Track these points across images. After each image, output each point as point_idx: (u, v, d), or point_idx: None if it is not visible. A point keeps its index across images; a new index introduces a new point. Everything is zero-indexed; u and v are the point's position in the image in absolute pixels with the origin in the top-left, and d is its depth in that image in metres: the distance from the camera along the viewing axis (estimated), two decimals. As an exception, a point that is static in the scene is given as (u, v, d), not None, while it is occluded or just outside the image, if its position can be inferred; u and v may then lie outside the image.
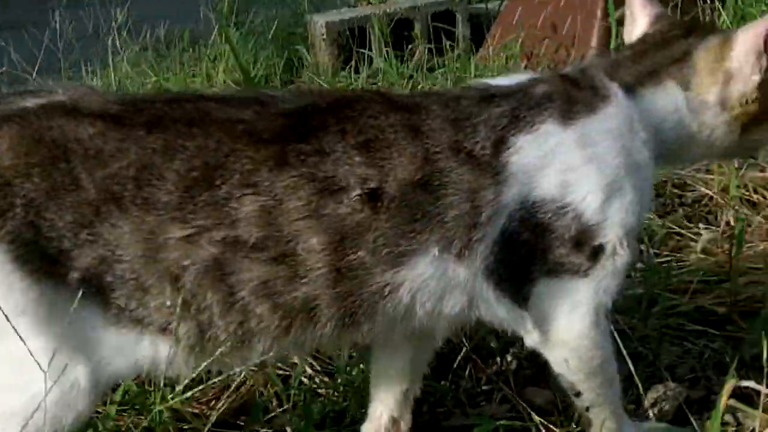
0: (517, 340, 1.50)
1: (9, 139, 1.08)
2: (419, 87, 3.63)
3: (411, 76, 3.78)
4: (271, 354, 1.20)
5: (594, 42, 3.67)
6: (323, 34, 4.21)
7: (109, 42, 4.08)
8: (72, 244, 1.07)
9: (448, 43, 3.95)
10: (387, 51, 4.01)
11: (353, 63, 3.99)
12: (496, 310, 1.24)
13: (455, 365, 1.67)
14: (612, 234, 1.22)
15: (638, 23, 1.41)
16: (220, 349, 1.14)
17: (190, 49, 4.50)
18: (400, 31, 4.28)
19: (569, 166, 1.20)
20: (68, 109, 1.13)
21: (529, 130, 1.20)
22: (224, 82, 3.76)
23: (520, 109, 1.22)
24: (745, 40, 1.28)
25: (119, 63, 4.05)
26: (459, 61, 3.74)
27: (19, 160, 1.07)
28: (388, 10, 4.27)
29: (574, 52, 3.63)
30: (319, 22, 4.25)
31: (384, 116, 1.18)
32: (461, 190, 1.16)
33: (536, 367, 1.60)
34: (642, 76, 1.30)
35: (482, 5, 4.77)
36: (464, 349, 1.67)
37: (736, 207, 2.27)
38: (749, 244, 2.06)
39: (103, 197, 1.07)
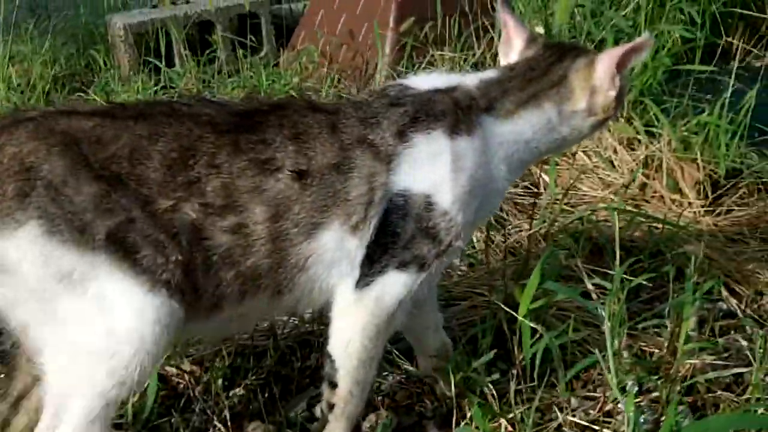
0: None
1: (26, 132, 1.31)
2: (215, 92, 3.66)
3: (205, 81, 3.79)
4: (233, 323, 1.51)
5: (387, 51, 3.81)
6: (121, 36, 4.13)
7: None
8: (93, 215, 1.28)
9: (242, 51, 3.96)
10: (186, 54, 4.00)
11: (154, 66, 3.95)
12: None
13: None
14: (458, 234, 1.47)
15: (513, 45, 1.66)
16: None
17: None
18: (204, 34, 4.29)
19: (444, 170, 1.45)
20: (67, 111, 1.39)
21: (424, 131, 1.46)
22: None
23: (421, 114, 1.47)
24: (603, 63, 1.55)
25: None
26: (253, 68, 3.77)
27: (37, 145, 1.29)
28: (188, 12, 4.24)
29: (369, 59, 3.75)
30: (117, 23, 4.16)
31: (311, 115, 1.46)
32: (363, 174, 1.42)
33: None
34: (524, 101, 1.55)
35: (287, 6, 4.84)
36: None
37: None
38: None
39: (108, 174, 1.30)
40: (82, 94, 3.80)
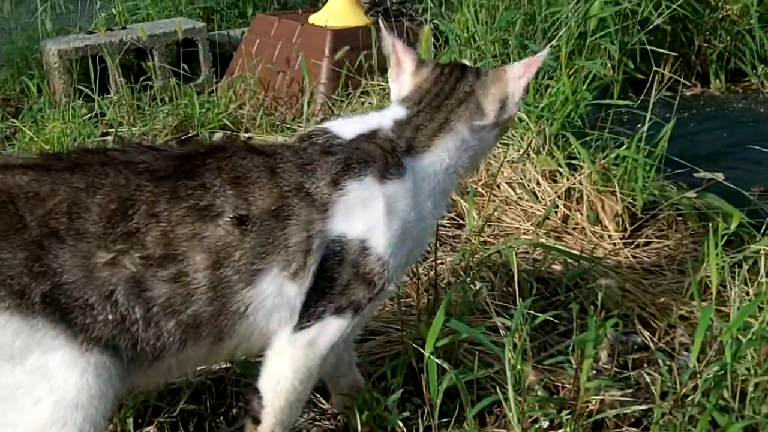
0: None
1: None
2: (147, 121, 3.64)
3: (139, 108, 3.77)
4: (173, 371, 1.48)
5: (323, 78, 3.83)
6: (56, 62, 4.09)
7: None
8: (30, 278, 1.25)
9: (174, 79, 3.94)
10: (121, 81, 3.98)
11: (92, 92, 3.91)
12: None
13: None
14: (392, 277, 1.50)
15: (404, 67, 1.67)
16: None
17: None
18: (142, 60, 4.26)
19: (377, 215, 1.46)
20: (2, 165, 1.35)
21: (356, 177, 1.46)
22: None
23: (352, 161, 1.48)
24: (516, 73, 1.60)
25: None
26: (186, 97, 3.76)
27: None
28: (124, 39, 4.21)
29: (305, 88, 3.77)
30: (51, 49, 4.11)
31: (250, 158, 1.45)
32: (301, 221, 1.41)
33: None
34: (436, 130, 1.57)
35: (225, 33, 4.84)
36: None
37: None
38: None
39: (45, 232, 1.27)
40: (15, 121, 3.75)
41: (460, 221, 2.73)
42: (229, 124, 3.61)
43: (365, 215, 1.46)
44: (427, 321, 1.81)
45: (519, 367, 1.61)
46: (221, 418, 1.85)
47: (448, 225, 2.69)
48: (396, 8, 4.64)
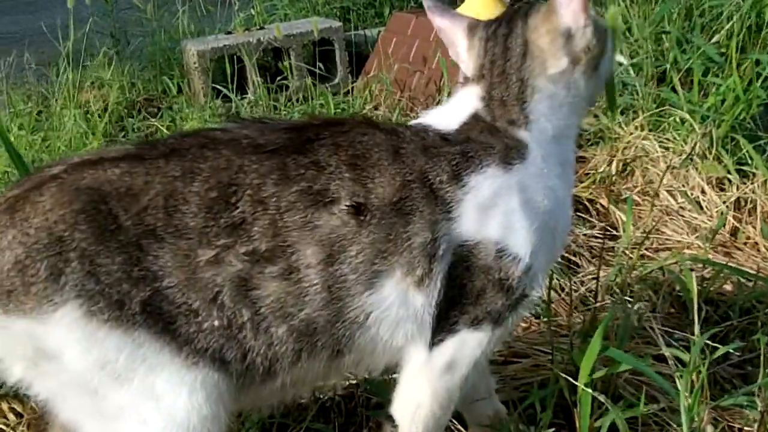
0: None
1: (50, 196, 1.15)
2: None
3: (276, 108, 3.70)
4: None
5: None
6: (195, 62, 4.09)
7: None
8: (129, 285, 1.12)
9: (310, 78, 3.85)
10: (259, 81, 3.92)
11: (230, 91, 3.88)
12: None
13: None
14: (535, 279, 1.30)
15: (457, 43, 1.42)
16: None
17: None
18: (279, 60, 4.21)
19: (510, 210, 1.27)
20: (93, 160, 1.21)
21: (478, 170, 1.27)
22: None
23: (469, 151, 1.28)
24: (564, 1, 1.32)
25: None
26: (321, 97, 3.65)
27: (64, 211, 1.13)
28: (261, 39, 4.17)
29: (442, 87, 3.60)
30: (191, 49, 4.12)
31: (370, 135, 1.27)
32: (425, 220, 1.23)
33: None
34: (519, 98, 1.33)
35: (361, 32, 4.73)
36: None
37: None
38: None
39: (142, 231, 1.14)
40: (153, 120, 3.76)
41: (614, 232, 2.48)
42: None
43: (496, 213, 1.27)
44: (581, 347, 1.59)
45: (696, 409, 1.37)
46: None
47: (599, 236, 2.44)
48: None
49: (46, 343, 1.11)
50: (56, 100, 3.77)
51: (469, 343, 1.30)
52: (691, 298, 1.94)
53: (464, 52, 1.41)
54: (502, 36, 1.37)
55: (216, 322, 1.15)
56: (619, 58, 2.80)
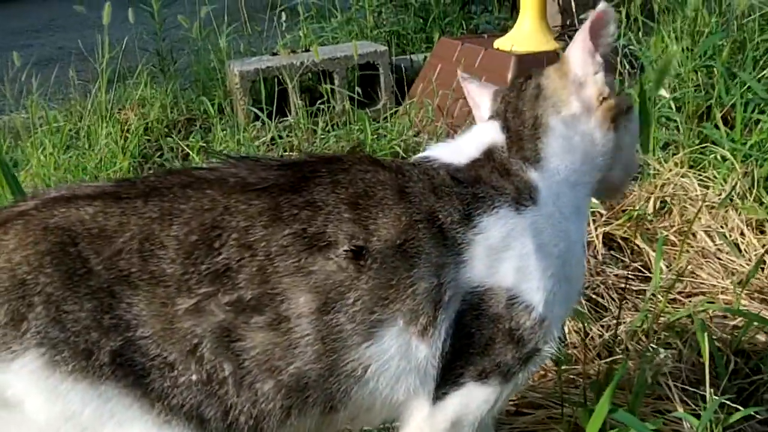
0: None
1: (15, 235, 1.07)
2: (319, 146, 3.53)
3: (315, 132, 3.67)
4: None
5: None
6: (237, 83, 4.10)
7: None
8: (99, 333, 1.04)
9: (347, 103, 3.82)
10: (300, 104, 3.91)
11: (269, 113, 3.88)
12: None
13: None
14: (548, 332, 1.22)
15: (481, 104, 1.47)
16: None
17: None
18: (324, 82, 4.20)
19: (523, 255, 1.20)
20: (67, 197, 1.13)
21: (489, 211, 1.20)
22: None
23: (480, 191, 1.22)
24: (574, 50, 1.34)
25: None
26: (359, 121, 3.62)
27: (28, 252, 1.05)
28: (305, 61, 4.16)
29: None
30: (234, 69, 4.14)
31: (373, 172, 1.19)
32: (431, 263, 1.15)
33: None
34: (532, 135, 1.31)
35: (408, 57, 4.70)
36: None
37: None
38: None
39: (114, 276, 1.06)
40: (189, 141, 3.76)
41: (647, 273, 2.38)
42: (401, 151, 3.42)
43: (508, 257, 1.19)
44: (593, 403, 1.50)
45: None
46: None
47: (632, 277, 2.35)
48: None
49: (6, 392, 1.03)
50: (89, 117, 3.80)
51: (475, 399, 1.21)
52: (716, 349, 1.84)
53: (486, 112, 1.43)
54: (519, 84, 1.38)
55: (194, 377, 1.06)
56: (662, 92, 2.71)
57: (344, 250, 1.10)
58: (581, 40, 1.32)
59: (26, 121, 3.84)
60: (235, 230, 1.10)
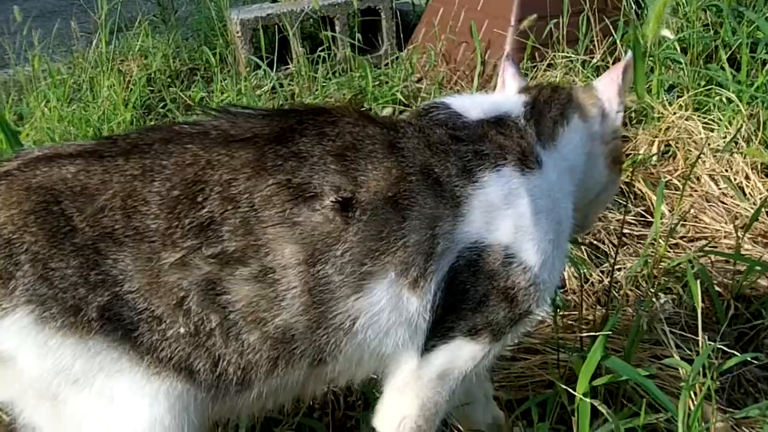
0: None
1: None
2: (320, 95, 3.48)
3: (315, 79, 3.62)
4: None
5: (507, 47, 3.51)
6: (238, 32, 4.04)
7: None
8: (86, 289, 1.04)
9: (348, 50, 3.75)
10: (301, 51, 3.85)
11: (270, 61, 3.83)
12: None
13: None
14: (541, 296, 1.21)
15: (507, 89, 1.48)
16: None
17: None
18: (326, 29, 4.13)
19: (524, 214, 1.18)
20: (49, 156, 1.13)
21: (493, 168, 1.19)
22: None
23: (485, 148, 1.21)
24: (608, 82, 1.41)
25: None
26: (360, 68, 3.56)
27: (12, 212, 1.05)
28: (305, 8, 4.09)
29: (488, 59, 3.48)
30: (234, 18, 4.07)
31: (362, 127, 1.18)
32: (425, 215, 1.13)
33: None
34: (555, 121, 1.33)
35: (409, 2, 4.62)
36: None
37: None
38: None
39: (99, 233, 1.06)
40: (190, 92, 3.72)
41: (649, 218, 2.35)
42: (403, 98, 3.37)
43: (508, 215, 1.17)
44: (590, 349, 1.48)
45: (698, 421, 1.26)
46: (347, 435, 1.63)
47: (634, 223, 2.32)
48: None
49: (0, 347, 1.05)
50: (91, 69, 3.76)
51: (463, 355, 1.20)
52: (716, 294, 1.83)
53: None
54: (550, 89, 1.40)
55: (182, 330, 1.07)
56: (665, 32, 2.64)
57: (331, 201, 1.09)
58: (615, 77, 1.40)
59: (30, 75, 3.81)
60: (217, 183, 1.08)
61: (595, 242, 2.21)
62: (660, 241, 2.09)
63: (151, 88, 3.95)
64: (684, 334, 1.69)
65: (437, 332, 1.19)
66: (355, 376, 1.25)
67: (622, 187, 2.49)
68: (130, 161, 1.10)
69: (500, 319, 1.19)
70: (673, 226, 2.13)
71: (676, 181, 2.42)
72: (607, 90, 1.40)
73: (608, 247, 2.20)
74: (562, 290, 1.99)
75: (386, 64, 3.99)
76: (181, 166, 1.10)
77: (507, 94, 1.46)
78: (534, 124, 1.29)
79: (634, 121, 2.80)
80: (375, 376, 1.29)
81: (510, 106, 1.31)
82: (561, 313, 1.85)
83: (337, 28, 4.12)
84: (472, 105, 1.29)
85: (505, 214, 1.17)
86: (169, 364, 1.07)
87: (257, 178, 1.09)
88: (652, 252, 2.06)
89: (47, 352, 1.04)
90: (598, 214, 1.52)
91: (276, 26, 4.10)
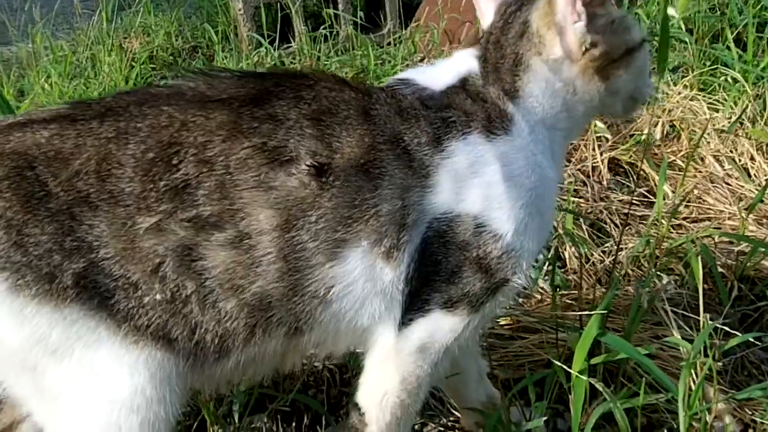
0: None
1: None
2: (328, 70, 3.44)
3: (319, 59, 3.59)
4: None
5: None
6: (240, 9, 4.00)
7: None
8: (61, 256, 1.03)
9: (350, 28, 3.71)
10: (303, 30, 3.82)
11: (273, 39, 3.79)
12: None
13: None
14: (518, 265, 1.18)
15: (487, 17, 1.34)
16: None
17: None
18: (329, 6, 4.09)
19: (492, 182, 1.16)
20: (22, 122, 1.11)
21: (459, 137, 1.17)
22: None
23: (451, 115, 1.19)
24: None
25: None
26: (362, 47, 3.53)
27: None
28: (309, -15, 4.05)
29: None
30: (237, -5, 4.04)
31: (338, 91, 1.16)
32: (395, 185, 1.13)
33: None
34: (512, 71, 1.24)
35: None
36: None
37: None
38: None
39: (73, 198, 1.04)
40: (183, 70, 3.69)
41: (652, 199, 2.32)
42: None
43: (476, 183, 1.15)
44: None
45: (699, 401, 1.24)
46: (342, 410, 1.61)
47: (637, 203, 2.29)
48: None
49: None
50: (93, 45, 3.73)
51: (441, 327, 1.19)
52: (719, 275, 1.80)
53: (488, 23, 1.32)
54: (508, 13, 1.28)
55: (158, 296, 1.06)
56: (670, 11, 2.60)
57: (306, 165, 1.08)
58: None
59: (31, 51, 3.78)
60: (192, 145, 1.07)
61: (597, 222, 2.18)
62: (663, 221, 2.06)
63: (153, 66, 3.93)
64: (686, 314, 1.67)
65: (414, 305, 1.18)
66: (335, 349, 1.25)
67: (625, 167, 2.47)
68: (104, 124, 1.09)
69: (477, 290, 1.17)
70: (675, 206, 2.10)
71: (680, 162, 2.39)
72: (560, 1, 1.23)
73: (610, 227, 2.17)
74: (561, 269, 1.97)
75: (389, 43, 3.94)
76: (156, 128, 1.08)
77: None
78: (493, 81, 1.23)
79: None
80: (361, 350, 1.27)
81: (470, 66, 1.25)
82: (560, 293, 1.83)
83: (340, 6, 4.07)
84: (434, 75, 1.25)
85: (472, 183, 1.16)
86: (147, 332, 1.07)
87: (233, 141, 1.08)
88: (654, 232, 2.04)
89: (23, 321, 1.03)
90: (641, 99, 1.35)
91: (278, 4, 4.05)
